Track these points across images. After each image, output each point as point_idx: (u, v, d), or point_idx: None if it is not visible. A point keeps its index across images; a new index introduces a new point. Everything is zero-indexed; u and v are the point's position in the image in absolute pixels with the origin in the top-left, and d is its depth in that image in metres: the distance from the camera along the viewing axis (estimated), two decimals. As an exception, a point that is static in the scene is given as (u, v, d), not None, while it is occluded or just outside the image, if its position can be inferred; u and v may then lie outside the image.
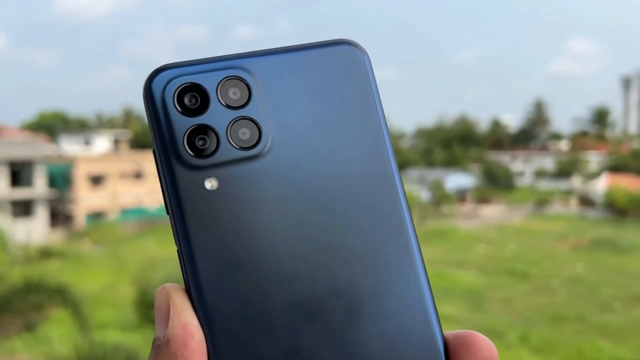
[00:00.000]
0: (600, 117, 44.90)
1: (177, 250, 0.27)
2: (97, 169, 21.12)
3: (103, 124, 39.09)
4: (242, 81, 0.29)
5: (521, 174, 34.68)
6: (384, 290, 0.28)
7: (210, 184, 0.27)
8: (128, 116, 39.34)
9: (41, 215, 19.29)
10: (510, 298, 12.02)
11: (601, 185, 26.57)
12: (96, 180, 21.12)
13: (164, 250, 13.26)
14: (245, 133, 0.28)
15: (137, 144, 29.44)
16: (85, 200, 20.66)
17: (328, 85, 0.29)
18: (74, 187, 20.66)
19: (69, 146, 25.63)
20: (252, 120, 0.28)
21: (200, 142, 0.28)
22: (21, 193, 19.01)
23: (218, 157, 0.28)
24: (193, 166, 0.27)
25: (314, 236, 0.28)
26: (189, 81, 0.28)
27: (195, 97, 0.28)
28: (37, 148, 20.22)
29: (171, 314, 0.26)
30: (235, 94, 0.28)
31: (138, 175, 21.94)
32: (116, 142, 27.08)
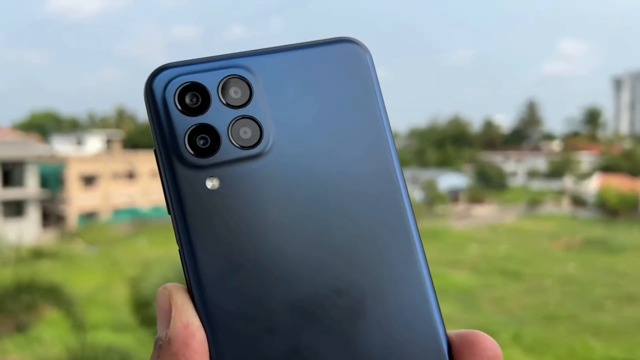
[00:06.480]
0: (592, 117, 45.11)
1: (179, 250, 0.27)
2: (89, 169, 21.01)
3: (95, 123, 38.86)
4: (243, 80, 0.28)
5: (514, 174, 34.81)
6: (386, 290, 0.28)
7: (211, 183, 0.27)
8: (120, 116, 39.12)
9: (33, 215, 19.17)
10: (502, 298, 12.06)
11: (593, 185, 26.71)
12: (88, 181, 21.01)
13: (157, 251, 13.21)
14: (247, 132, 0.28)
15: (130, 144, 29.31)
16: (78, 200, 20.54)
17: (330, 83, 0.29)
18: (66, 188, 20.55)
19: (61, 146, 25.49)
20: (253, 119, 0.28)
21: (202, 142, 0.28)
22: (13, 193, 18.89)
23: (219, 157, 0.28)
24: (194, 165, 0.27)
25: (316, 235, 0.28)
26: (189, 80, 0.28)
27: (196, 96, 0.28)
28: (29, 148, 20.10)
29: (173, 313, 0.26)
30: (236, 93, 0.28)
31: (130, 176, 21.85)
32: (108, 142, 26.97)
